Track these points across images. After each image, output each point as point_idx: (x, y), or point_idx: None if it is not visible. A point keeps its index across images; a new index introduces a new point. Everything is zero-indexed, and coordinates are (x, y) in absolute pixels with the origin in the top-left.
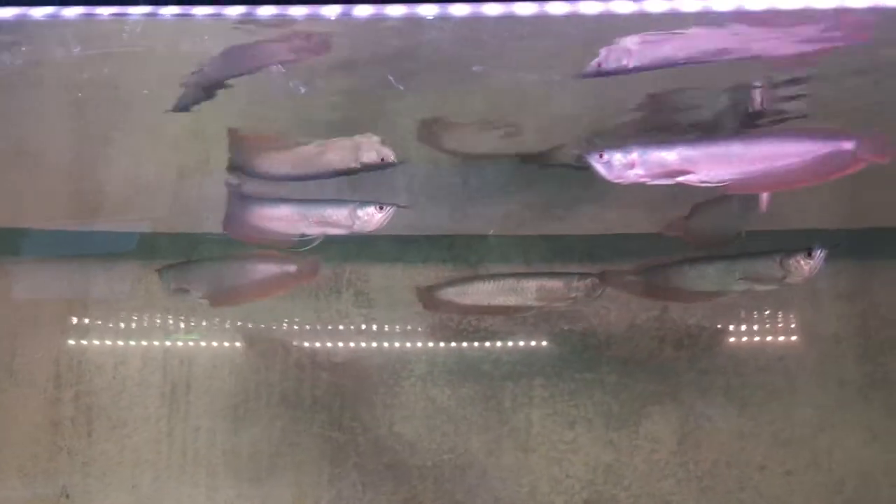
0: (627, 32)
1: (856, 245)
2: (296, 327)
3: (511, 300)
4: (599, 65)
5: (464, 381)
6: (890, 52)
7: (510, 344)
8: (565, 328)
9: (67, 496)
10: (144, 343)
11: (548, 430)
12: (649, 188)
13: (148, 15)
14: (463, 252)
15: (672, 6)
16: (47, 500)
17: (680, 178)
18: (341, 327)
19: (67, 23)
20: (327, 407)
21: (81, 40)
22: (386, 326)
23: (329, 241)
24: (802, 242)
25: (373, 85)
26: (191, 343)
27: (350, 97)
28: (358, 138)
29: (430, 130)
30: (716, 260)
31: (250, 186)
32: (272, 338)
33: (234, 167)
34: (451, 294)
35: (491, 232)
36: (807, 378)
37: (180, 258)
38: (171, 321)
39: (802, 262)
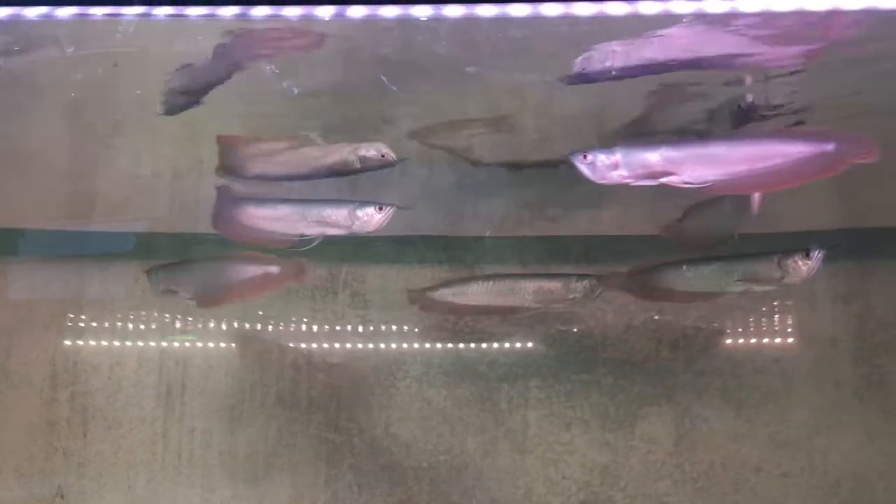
0: (621, 34)
1: (852, 247)
2: (292, 328)
3: (509, 301)
4: (583, 69)
5: (460, 382)
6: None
7: (506, 345)
8: (562, 329)
9: (62, 497)
10: (140, 344)
11: (544, 432)
12: (646, 189)
13: (142, 15)
14: (459, 253)
15: (665, 8)
16: (43, 501)
17: (663, 179)
18: (338, 328)
19: (61, 23)
20: (323, 408)
21: (75, 40)
22: (382, 327)
23: (325, 241)
24: (797, 244)
25: (367, 86)
26: (187, 344)
27: (345, 98)
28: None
29: (425, 130)
30: (714, 261)
31: (241, 187)
32: (268, 339)
33: (226, 170)
34: (448, 295)
35: (487, 233)
36: (803, 380)
37: (177, 258)
38: (167, 322)
39: (800, 263)
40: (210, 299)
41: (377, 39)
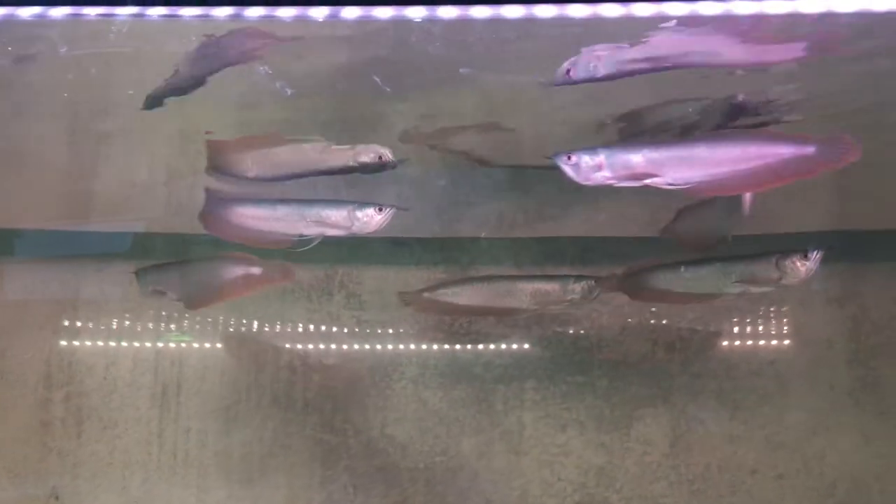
0: (615, 36)
1: (847, 249)
2: (287, 329)
3: (506, 303)
4: (568, 73)
5: (456, 383)
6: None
7: (502, 346)
8: (557, 331)
9: (57, 497)
10: (136, 344)
11: (539, 433)
12: (644, 190)
13: (135, 15)
14: (454, 254)
15: (659, 10)
16: (37, 501)
17: (646, 181)
18: (333, 329)
19: (54, 23)
20: (319, 409)
21: (68, 41)
22: (378, 328)
23: (321, 242)
24: (792, 246)
25: (361, 87)
26: (182, 344)
27: (339, 99)
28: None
29: (418, 131)
30: (711, 262)
31: (234, 188)
32: (263, 339)
33: (222, 171)
34: (444, 296)
35: (483, 234)
36: (798, 382)
37: (174, 259)
38: (162, 322)
39: (798, 264)
40: (197, 301)
41: (371, 40)
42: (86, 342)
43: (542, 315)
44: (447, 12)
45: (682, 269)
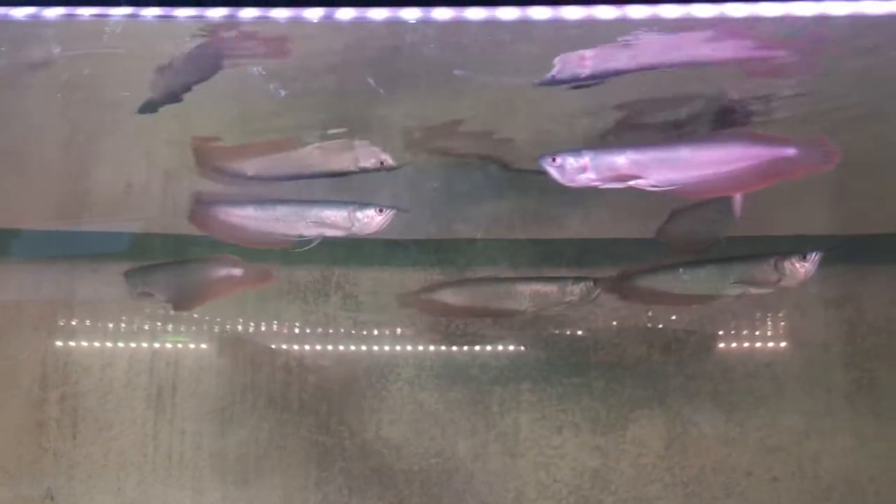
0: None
1: (844, 252)
2: (284, 330)
3: (505, 305)
4: (554, 75)
5: (451, 385)
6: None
7: (498, 348)
8: (553, 333)
9: (52, 499)
10: (132, 345)
11: (535, 435)
12: (639, 193)
13: (129, 16)
14: (451, 255)
15: (653, 12)
16: (32, 503)
17: (631, 182)
18: (330, 330)
19: (48, 23)
20: (314, 410)
21: (62, 41)
22: (374, 330)
23: (318, 243)
24: (788, 248)
25: (355, 88)
26: (178, 345)
27: (333, 100)
28: (356, 142)
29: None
30: (710, 263)
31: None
32: (259, 340)
33: (221, 174)
34: (443, 297)
35: (479, 235)
36: (794, 384)
37: (172, 259)
38: (158, 323)
39: (797, 265)
40: (183, 302)
41: (365, 42)
42: (81, 343)
43: (538, 317)
44: (442, 14)
45: (681, 270)
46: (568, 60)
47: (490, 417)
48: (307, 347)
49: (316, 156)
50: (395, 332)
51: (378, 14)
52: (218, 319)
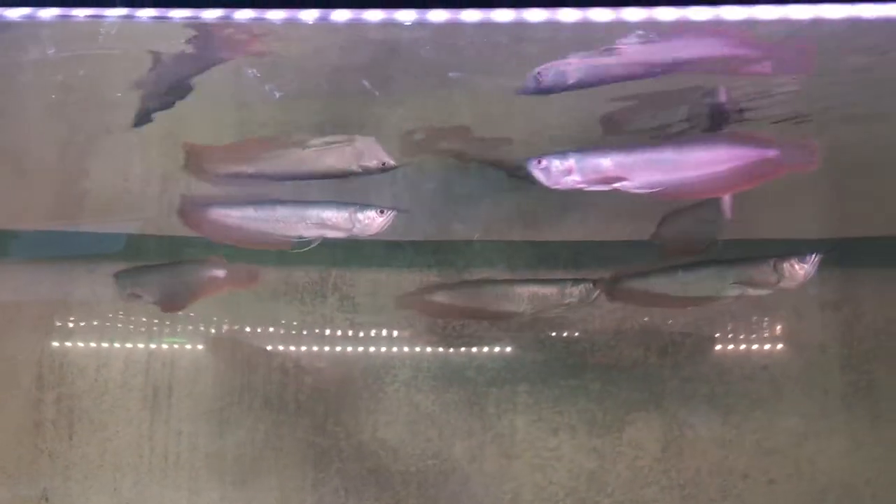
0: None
1: (841, 255)
2: (281, 331)
3: (504, 307)
4: (538, 81)
5: (448, 386)
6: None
7: (495, 350)
8: (550, 334)
9: (47, 499)
10: (128, 345)
11: (531, 437)
12: (636, 195)
13: (125, 17)
14: (448, 257)
15: (649, 15)
16: (27, 503)
17: (616, 185)
18: (326, 331)
19: (43, 24)
20: (311, 411)
21: (56, 42)
22: (371, 331)
23: (315, 245)
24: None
25: (350, 90)
26: (174, 346)
27: (328, 102)
28: (357, 143)
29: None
30: (709, 265)
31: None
32: (256, 341)
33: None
34: (442, 299)
35: (476, 237)
36: (791, 387)
37: (168, 261)
38: (154, 324)
39: (797, 267)
40: (171, 303)
41: (360, 44)
42: (78, 343)
43: (535, 319)
44: (437, 16)
45: (680, 272)
46: (549, 69)
47: (486, 419)
48: (304, 348)
49: (316, 156)
50: (391, 333)
51: (373, 16)
52: (214, 320)
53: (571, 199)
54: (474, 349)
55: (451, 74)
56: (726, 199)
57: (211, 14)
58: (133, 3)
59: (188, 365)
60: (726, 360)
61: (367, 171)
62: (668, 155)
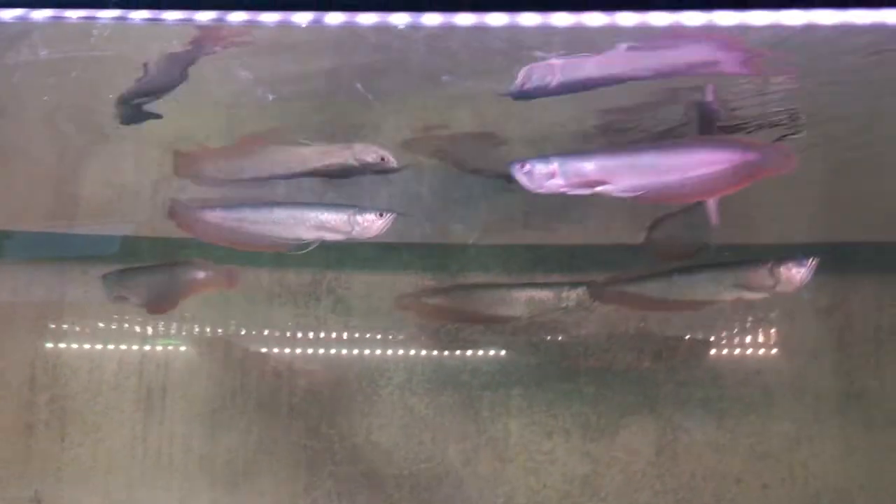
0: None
1: (835, 260)
2: (275, 333)
3: (500, 310)
4: (522, 85)
5: (442, 389)
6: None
7: (489, 353)
8: (544, 338)
9: (39, 501)
10: (121, 347)
11: (525, 440)
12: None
13: (118, 19)
14: (443, 260)
15: (643, 19)
16: None
17: (598, 188)
18: (321, 334)
19: (36, 25)
20: (304, 414)
21: (48, 43)
22: (365, 334)
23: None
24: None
25: (344, 93)
26: (168, 348)
27: (325, 105)
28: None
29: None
30: (706, 268)
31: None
32: (250, 344)
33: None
34: (441, 302)
35: (471, 241)
36: (784, 392)
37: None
38: (148, 325)
39: (793, 271)
40: (155, 305)
41: (354, 46)
42: (71, 345)
43: (530, 322)
44: (431, 19)
45: (676, 276)
46: (533, 72)
47: (480, 422)
48: (298, 351)
49: (316, 155)
50: (386, 336)
51: (367, 19)
52: (208, 322)
53: (568, 202)
54: (469, 352)
55: (444, 78)
56: (711, 204)
57: (204, 16)
58: (127, 5)
59: (182, 367)
60: (720, 365)
61: (367, 167)
62: (649, 159)
